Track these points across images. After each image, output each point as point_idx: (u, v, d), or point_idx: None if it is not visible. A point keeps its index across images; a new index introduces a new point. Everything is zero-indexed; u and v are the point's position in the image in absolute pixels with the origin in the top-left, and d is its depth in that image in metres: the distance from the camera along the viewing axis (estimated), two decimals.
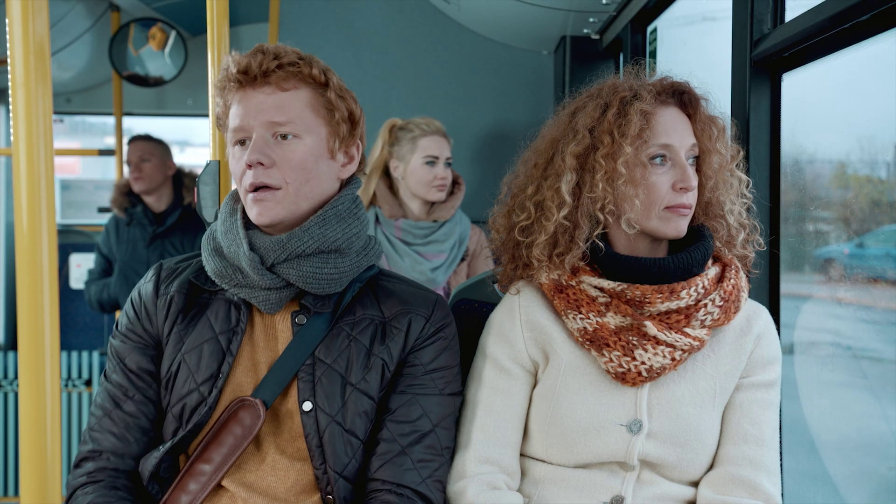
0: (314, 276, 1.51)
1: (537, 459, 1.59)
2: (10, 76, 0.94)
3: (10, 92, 0.95)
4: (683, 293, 1.52)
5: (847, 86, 1.92)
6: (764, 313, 1.65)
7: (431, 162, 2.87)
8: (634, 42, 3.02)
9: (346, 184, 1.62)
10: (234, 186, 1.67)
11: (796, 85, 1.81)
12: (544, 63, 4.06)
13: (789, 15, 1.77)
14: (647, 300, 1.52)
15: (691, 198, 1.55)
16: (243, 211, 1.57)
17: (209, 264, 1.56)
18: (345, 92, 1.58)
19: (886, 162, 1.94)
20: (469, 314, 1.85)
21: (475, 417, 1.58)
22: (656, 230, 1.55)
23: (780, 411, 1.78)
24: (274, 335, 1.57)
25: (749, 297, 1.78)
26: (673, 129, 1.55)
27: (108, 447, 1.55)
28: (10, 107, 0.95)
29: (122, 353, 1.59)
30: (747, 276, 1.64)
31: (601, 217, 1.55)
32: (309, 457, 1.52)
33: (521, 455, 1.61)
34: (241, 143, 1.54)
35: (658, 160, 1.54)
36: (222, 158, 1.98)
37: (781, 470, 1.79)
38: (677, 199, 1.54)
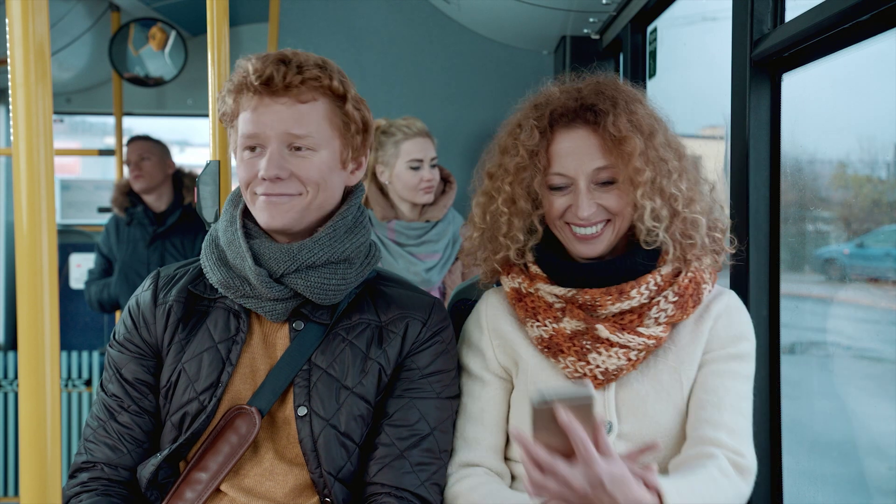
0: (321, 286, 1.51)
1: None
2: (10, 76, 0.94)
3: (10, 92, 0.95)
4: (633, 292, 1.52)
5: (847, 86, 1.92)
6: (726, 296, 1.61)
7: (416, 166, 2.84)
8: (634, 42, 3.02)
9: (350, 190, 1.62)
10: (233, 187, 1.67)
11: (796, 85, 1.80)
12: (544, 63, 4.06)
13: (789, 15, 1.77)
14: (597, 303, 1.52)
15: (596, 217, 1.54)
16: (243, 218, 1.56)
17: (214, 275, 1.55)
18: (360, 102, 1.57)
19: (886, 162, 1.94)
20: (468, 314, 1.85)
21: (457, 426, 1.61)
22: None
23: (780, 412, 1.78)
24: (272, 342, 1.57)
25: (748, 297, 1.78)
26: (567, 154, 1.55)
27: (101, 458, 1.56)
28: (10, 107, 0.95)
29: (119, 363, 1.59)
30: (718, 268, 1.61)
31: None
32: (304, 461, 1.52)
33: (507, 459, 1.62)
34: (252, 149, 1.52)
35: (556, 187, 1.57)
36: (222, 158, 1.98)
37: (781, 470, 1.78)
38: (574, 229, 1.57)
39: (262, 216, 1.52)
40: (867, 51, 1.57)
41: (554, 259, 1.59)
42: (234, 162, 1.64)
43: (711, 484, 1.42)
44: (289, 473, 1.53)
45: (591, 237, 1.56)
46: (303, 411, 1.52)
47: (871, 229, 2.06)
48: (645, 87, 3.02)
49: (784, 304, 1.81)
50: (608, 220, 1.55)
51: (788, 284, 1.90)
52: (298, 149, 1.51)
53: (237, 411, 1.52)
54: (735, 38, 1.88)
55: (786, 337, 1.82)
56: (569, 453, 1.28)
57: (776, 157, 1.82)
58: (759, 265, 1.79)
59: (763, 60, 1.78)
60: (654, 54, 2.92)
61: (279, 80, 1.48)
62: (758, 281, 1.78)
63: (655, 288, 1.53)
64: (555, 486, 1.27)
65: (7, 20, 0.93)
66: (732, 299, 1.61)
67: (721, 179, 2.89)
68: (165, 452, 1.53)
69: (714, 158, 3.11)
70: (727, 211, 1.65)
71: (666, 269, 1.55)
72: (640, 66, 3.02)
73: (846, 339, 2.10)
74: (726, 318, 1.58)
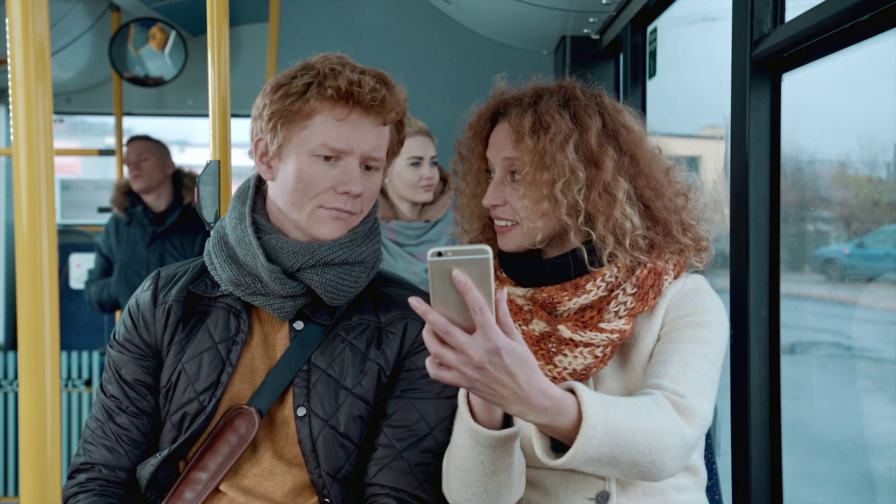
0: (335, 285, 1.51)
1: None
2: (10, 76, 0.94)
3: (10, 92, 0.95)
4: (589, 286, 1.51)
5: (847, 86, 1.92)
6: (682, 280, 1.58)
7: (416, 163, 2.84)
8: (634, 42, 3.02)
9: None
10: (233, 186, 1.67)
11: (796, 85, 1.81)
12: (544, 63, 4.06)
13: (789, 15, 1.77)
14: (555, 300, 1.52)
15: (502, 213, 1.57)
16: (251, 213, 1.55)
17: (224, 272, 1.54)
18: None
19: (886, 162, 1.94)
20: None
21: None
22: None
23: (780, 412, 1.78)
24: (272, 342, 1.57)
25: (748, 297, 1.78)
26: (493, 143, 1.60)
27: (99, 460, 1.56)
28: (10, 107, 0.95)
29: (118, 363, 1.59)
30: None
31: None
32: (303, 461, 1.52)
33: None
34: (327, 158, 1.50)
35: (489, 173, 1.62)
36: (222, 158, 1.98)
37: (781, 470, 1.78)
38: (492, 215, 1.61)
39: (321, 228, 1.52)
40: (867, 51, 1.57)
41: (506, 259, 1.59)
42: (234, 162, 1.64)
43: (641, 406, 1.33)
44: (288, 474, 1.53)
45: (502, 230, 1.58)
46: (302, 412, 1.52)
47: (871, 229, 2.07)
48: (645, 87, 3.03)
49: (784, 304, 1.81)
50: (516, 224, 1.56)
51: (788, 284, 1.90)
52: (368, 168, 1.53)
53: (236, 411, 1.52)
54: (735, 38, 1.88)
55: (786, 337, 1.82)
56: (470, 330, 1.20)
57: (776, 157, 1.82)
58: (759, 265, 1.79)
59: (763, 60, 1.78)
60: (654, 54, 2.92)
61: (391, 103, 1.50)
62: (758, 281, 1.78)
63: (612, 279, 1.52)
64: (451, 355, 1.19)
65: (7, 20, 0.93)
66: (690, 282, 1.58)
67: (721, 179, 2.89)
68: (165, 452, 1.53)
69: (714, 158, 3.11)
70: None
71: (622, 261, 1.53)
72: (640, 66, 3.02)
73: (846, 339, 2.10)
74: (680, 300, 1.55)
